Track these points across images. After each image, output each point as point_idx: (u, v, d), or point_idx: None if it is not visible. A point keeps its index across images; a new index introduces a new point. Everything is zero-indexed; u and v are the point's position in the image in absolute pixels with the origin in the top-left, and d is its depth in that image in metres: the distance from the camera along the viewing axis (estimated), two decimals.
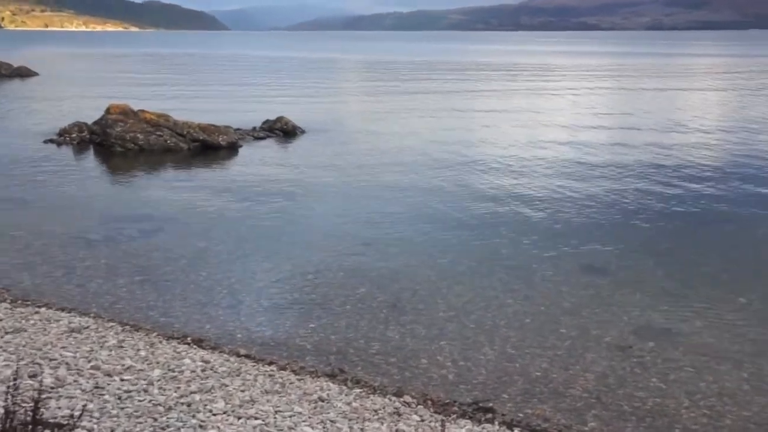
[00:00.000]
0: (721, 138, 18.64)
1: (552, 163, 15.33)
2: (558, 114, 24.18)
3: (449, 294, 8.15)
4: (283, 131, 20.20)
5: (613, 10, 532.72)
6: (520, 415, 5.72)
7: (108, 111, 18.45)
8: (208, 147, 17.61)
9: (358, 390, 5.93)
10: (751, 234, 10.53)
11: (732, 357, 6.64)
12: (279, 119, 20.62)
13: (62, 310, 7.52)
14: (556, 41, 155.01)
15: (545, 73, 47.05)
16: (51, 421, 4.58)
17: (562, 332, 7.12)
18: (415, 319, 7.48)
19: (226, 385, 5.72)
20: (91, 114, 19.58)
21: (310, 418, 5.29)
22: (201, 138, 17.72)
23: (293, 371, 6.26)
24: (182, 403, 5.31)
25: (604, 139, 18.62)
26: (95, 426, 4.80)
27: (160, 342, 6.69)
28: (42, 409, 4.23)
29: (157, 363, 6.09)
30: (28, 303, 7.67)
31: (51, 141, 18.23)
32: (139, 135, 17.41)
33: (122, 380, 5.66)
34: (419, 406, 5.72)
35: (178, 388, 5.60)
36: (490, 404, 5.84)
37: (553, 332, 7.14)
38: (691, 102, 28.29)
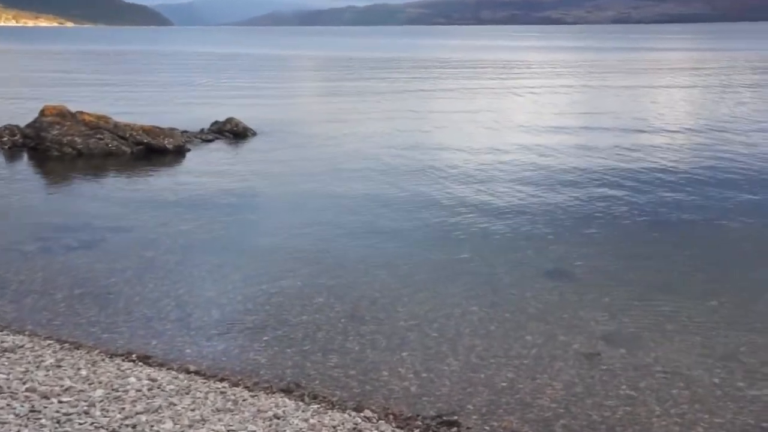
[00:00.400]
0: (689, 139, 19.00)
1: (514, 167, 15.45)
2: (521, 115, 24.40)
3: (411, 302, 8.18)
4: (233, 133, 20.05)
5: (578, 3, 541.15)
6: (486, 427, 5.77)
7: (42, 113, 18.10)
8: (153, 150, 17.40)
9: (316, 406, 5.92)
10: (721, 237, 10.75)
11: (704, 362, 6.78)
12: (229, 120, 20.48)
13: None
14: (519, 36, 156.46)
15: (508, 70, 47.42)
16: None
17: (529, 339, 7.20)
18: (375, 329, 7.50)
19: (175, 405, 5.66)
20: (23, 116, 19.20)
21: None
22: (145, 141, 17.50)
23: (246, 387, 6.22)
24: (127, 425, 5.24)
25: (569, 141, 18.81)
26: None
27: (103, 360, 6.59)
28: None
29: (99, 383, 6.00)
30: None
31: None
32: (77, 138, 17.13)
33: (61, 402, 5.56)
34: (380, 421, 5.73)
35: (123, 408, 5.52)
36: (455, 417, 5.87)
37: (519, 340, 7.21)
38: (658, 100, 28.78)
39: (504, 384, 6.40)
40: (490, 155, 16.89)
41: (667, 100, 28.88)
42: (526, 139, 19.29)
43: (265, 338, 7.31)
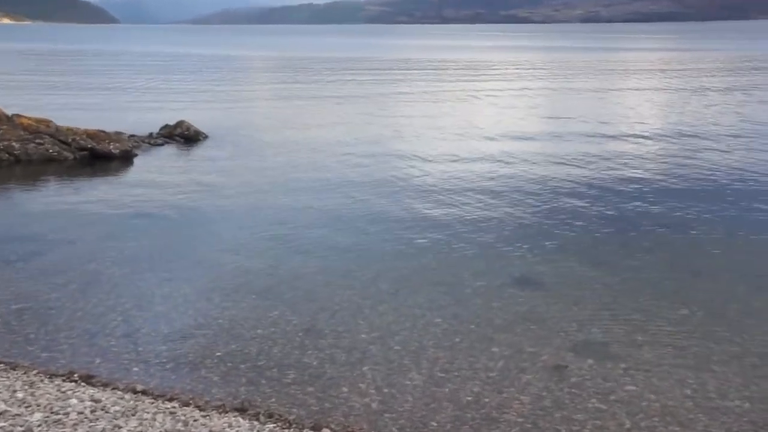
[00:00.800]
0: (655, 144, 19.30)
1: (478, 175, 15.55)
2: (484, 120, 24.56)
3: (371, 314, 8.20)
4: (184, 137, 19.95)
5: (545, 1, 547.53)
6: None
7: None
8: (98, 156, 17.20)
9: (272, 425, 5.90)
10: (690, 245, 10.94)
11: (674, 373, 6.90)
12: (179, 124, 20.36)
13: None
14: (484, 35, 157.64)
15: (472, 72, 47.71)
16: None
17: (495, 351, 7.26)
18: (334, 342, 7.50)
19: (120, 427, 5.60)
20: None
21: None
22: (89, 146, 17.30)
23: (198, 407, 6.18)
24: None
25: (534, 148, 18.98)
26: None
27: (42, 381, 6.50)
28: None
29: (38, 405, 5.91)
30: None
31: None
32: (14, 143, 16.85)
33: None
34: None
35: None
36: None
37: (485, 352, 7.27)
38: (625, 103, 29.15)
39: (469, 398, 6.45)
40: (452, 163, 17.01)
41: (634, 103, 29.30)
42: (489, 145, 19.47)
43: (218, 354, 7.26)
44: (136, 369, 6.96)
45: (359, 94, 33.34)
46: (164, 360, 7.14)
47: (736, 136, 20.24)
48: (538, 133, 21.32)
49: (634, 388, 6.62)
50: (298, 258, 10.19)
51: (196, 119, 20.95)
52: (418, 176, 15.46)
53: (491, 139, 20.49)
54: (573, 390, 6.58)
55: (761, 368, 7.00)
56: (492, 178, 15.22)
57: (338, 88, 36.07)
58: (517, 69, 50.33)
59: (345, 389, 6.59)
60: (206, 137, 20.00)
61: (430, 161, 17.21)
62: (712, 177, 15.09)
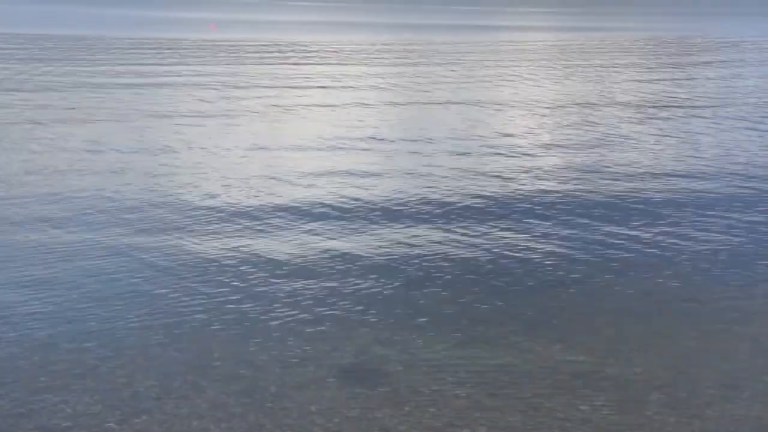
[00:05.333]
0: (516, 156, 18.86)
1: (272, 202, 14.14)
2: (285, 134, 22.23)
3: None
4: None
5: None
6: None
7: None
8: None
9: None
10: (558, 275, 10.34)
11: None
12: None
13: None
14: (299, 6, 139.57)
15: (280, 58, 42.85)
16: None
17: None
18: None
19: None
20: None
21: None
22: None
23: None
24: None
25: (351, 161, 18.00)
26: None
27: None
28: None
29: None
30: None
31: None
32: None
33: None
34: None
35: None
36: None
37: None
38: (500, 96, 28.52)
39: None
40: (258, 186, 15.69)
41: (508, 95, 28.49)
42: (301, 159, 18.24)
43: None
44: None
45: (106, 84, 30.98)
46: None
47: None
48: (359, 146, 20.36)
49: None
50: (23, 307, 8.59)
51: None
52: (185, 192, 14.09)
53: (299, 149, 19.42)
54: None
55: None
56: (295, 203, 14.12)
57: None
58: (347, 53, 46.37)
59: None
60: None
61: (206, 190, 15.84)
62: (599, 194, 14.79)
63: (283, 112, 24.29)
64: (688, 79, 34.53)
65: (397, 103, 26.63)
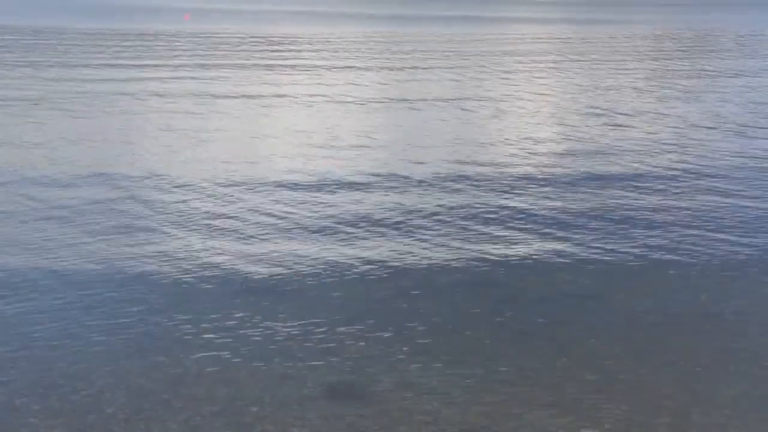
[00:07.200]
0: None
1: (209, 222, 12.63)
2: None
3: None
4: None
5: None
6: None
7: None
8: None
9: None
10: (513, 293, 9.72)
11: None
12: None
13: None
14: None
15: (249, 50, 41.18)
16: None
17: None
18: None
19: None
20: None
21: None
22: None
23: None
24: None
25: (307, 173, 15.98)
26: None
27: None
28: None
29: None
30: None
31: None
32: None
33: None
34: None
35: None
36: None
37: None
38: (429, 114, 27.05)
39: None
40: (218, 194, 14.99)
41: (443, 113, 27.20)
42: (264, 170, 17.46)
43: None
44: None
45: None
46: None
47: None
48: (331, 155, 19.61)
49: None
50: None
51: None
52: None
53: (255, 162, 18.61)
54: None
55: None
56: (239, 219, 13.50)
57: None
58: (328, 48, 45.26)
59: None
60: None
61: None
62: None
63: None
64: None
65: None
